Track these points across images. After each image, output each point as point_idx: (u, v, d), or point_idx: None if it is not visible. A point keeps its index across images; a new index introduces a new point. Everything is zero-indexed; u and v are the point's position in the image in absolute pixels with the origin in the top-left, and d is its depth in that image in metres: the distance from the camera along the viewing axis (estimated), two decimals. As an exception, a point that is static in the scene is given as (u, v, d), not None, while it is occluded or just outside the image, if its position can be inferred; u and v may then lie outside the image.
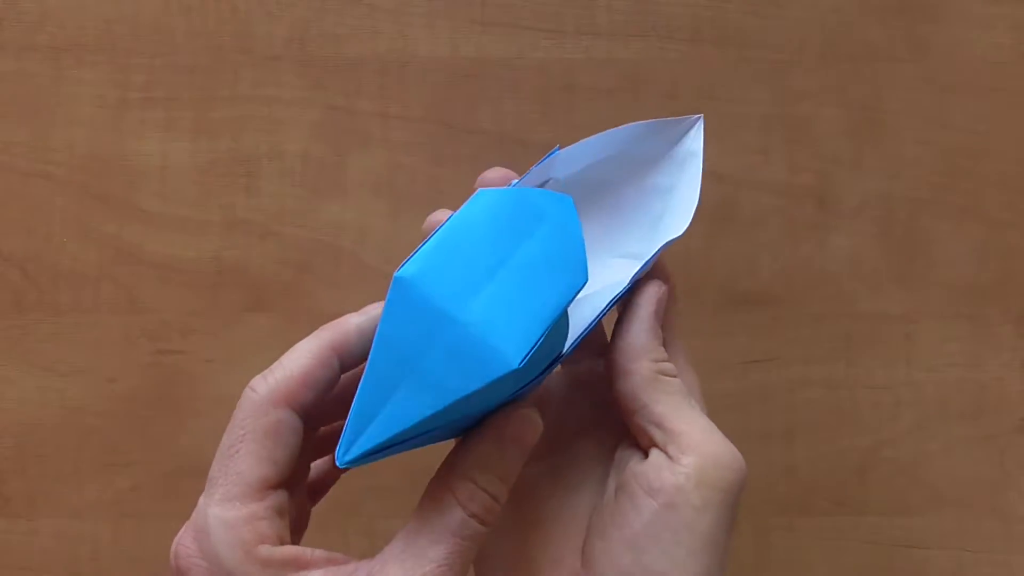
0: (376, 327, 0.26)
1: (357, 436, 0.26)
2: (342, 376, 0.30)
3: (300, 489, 0.32)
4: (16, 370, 0.44)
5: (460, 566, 0.27)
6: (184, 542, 0.27)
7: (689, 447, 0.29)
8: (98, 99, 0.45)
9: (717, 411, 0.34)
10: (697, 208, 0.33)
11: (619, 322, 0.32)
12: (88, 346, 0.44)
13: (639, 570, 0.28)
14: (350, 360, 0.29)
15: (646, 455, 0.30)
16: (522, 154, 0.45)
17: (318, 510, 0.34)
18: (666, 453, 0.29)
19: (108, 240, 0.45)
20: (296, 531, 0.31)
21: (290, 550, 0.27)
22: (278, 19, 0.46)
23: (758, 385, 0.44)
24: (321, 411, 0.30)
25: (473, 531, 0.27)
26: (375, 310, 0.30)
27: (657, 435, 0.30)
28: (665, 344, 0.32)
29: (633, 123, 0.32)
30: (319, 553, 0.28)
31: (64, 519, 0.44)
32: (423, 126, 0.45)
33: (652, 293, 0.32)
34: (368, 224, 0.45)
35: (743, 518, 0.43)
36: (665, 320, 0.32)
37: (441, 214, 0.31)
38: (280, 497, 0.28)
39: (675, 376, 0.31)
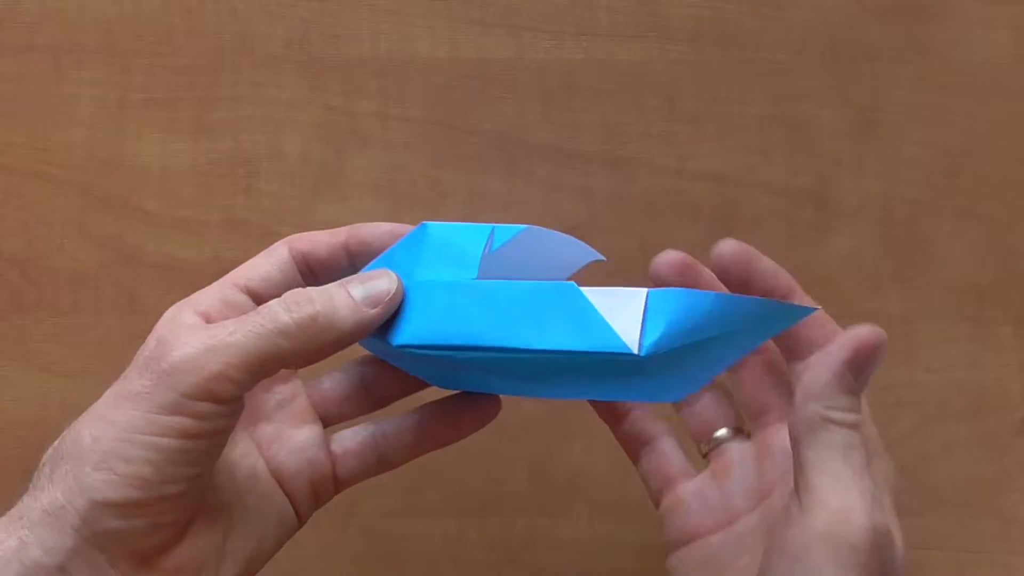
0: (341, 241, 0.33)
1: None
2: None
3: None
4: (16, 370, 0.44)
5: (239, 328, 0.29)
6: None
7: (818, 501, 0.28)
8: (98, 99, 0.45)
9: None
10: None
11: (814, 357, 0.31)
12: (88, 347, 0.44)
13: None
14: (299, 255, 0.34)
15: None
16: (522, 154, 0.45)
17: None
18: (799, 503, 0.29)
19: (108, 241, 0.45)
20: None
21: (203, 326, 0.30)
22: (278, 19, 0.46)
23: (758, 385, 0.44)
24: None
25: (270, 313, 0.29)
26: (355, 227, 0.33)
27: (800, 480, 0.29)
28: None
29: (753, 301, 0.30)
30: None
31: (64, 519, 0.43)
32: (423, 126, 0.45)
33: (854, 336, 0.29)
34: (368, 224, 0.45)
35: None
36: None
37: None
38: (242, 299, 0.32)
39: (850, 428, 0.29)
